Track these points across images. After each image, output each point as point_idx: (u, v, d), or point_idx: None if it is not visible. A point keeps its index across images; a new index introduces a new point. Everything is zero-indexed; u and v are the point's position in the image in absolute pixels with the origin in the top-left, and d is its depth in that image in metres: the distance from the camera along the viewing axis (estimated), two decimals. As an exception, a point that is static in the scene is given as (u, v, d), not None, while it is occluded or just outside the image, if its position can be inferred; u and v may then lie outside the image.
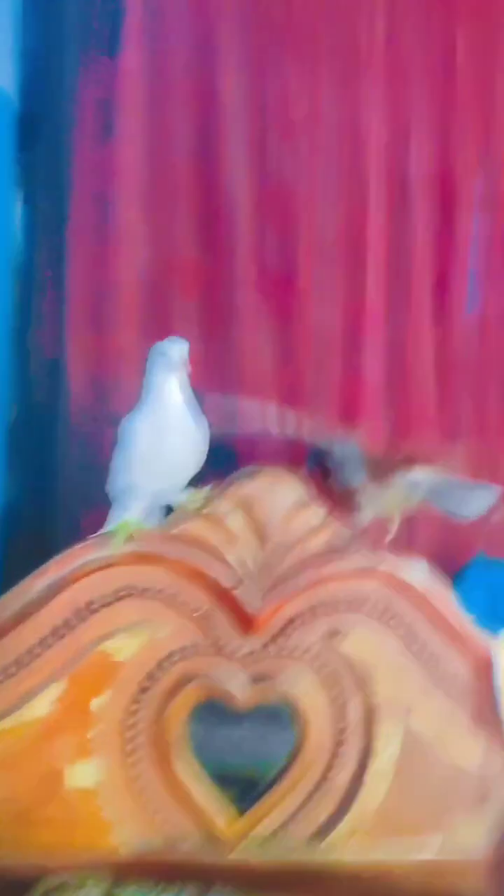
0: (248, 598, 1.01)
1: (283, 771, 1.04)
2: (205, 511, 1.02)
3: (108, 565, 1.00)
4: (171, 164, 1.19)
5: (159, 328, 1.17)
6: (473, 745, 1.05)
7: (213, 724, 1.03)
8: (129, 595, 1.01)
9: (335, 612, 1.03)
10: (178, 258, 1.21)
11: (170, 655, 1.02)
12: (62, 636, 1.00)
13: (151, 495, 1.04)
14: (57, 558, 1.00)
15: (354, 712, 1.04)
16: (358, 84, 1.22)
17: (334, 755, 1.04)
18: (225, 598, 1.02)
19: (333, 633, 1.03)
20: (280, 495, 1.03)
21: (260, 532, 1.02)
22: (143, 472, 1.02)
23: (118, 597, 1.01)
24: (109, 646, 1.00)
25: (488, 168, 1.24)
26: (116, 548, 1.00)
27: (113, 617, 1.01)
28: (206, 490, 1.04)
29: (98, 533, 1.02)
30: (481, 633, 1.05)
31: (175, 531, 1.02)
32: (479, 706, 1.05)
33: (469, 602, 1.06)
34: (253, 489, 1.03)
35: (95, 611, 1.00)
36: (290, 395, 1.25)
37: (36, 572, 0.99)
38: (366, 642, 1.04)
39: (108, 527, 1.02)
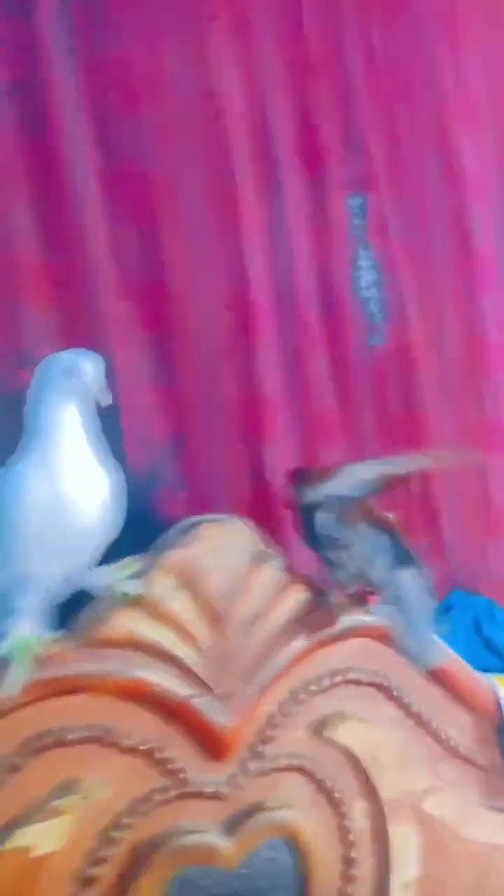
0: (213, 706, 0.72)
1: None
2: (135, 595, 0.71)
3: (8, 711, 0.65)
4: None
5: (8, 353, 0.83)
6: (497, 813, 0.86)
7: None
8: (44, 747, 0.67)
9: (318, 693, 0.79)
10: (18, 264, 0.89)
11: (116, 820, 0.69)
12: None
13: (47, 587, 0.70)
14: None
15: (361, 820, 0.79)
16: (204, 37, 0.99)
17: (346, 881, 0.79)
18: (181, 714, 0.71)
19: (322, 725, 0.78)
20: (228, 554, 0.76)
21: (212, 611, 0.74)
22: (38, 555, 0.67)
23: (31, 753, 0.66)
24: (26, 836, 0.65)
25: (353, 144, 1.09)
26: (17, 682, 0.65)
27: (23, 789, 0.66)
28: (132, 563, 0.72)
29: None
30: (480, 676, 0.87)
31: (96, 634, 0.70)
32: (492, 763, 0.87)
33: (448, 639, 0.87)
34: (194, 553, 0.74)
35: (-3, 786, 0.65)
36: (180, 417, 0.97)
37: None
38: (360, 721, 0.80)
39: (-3, 651, 0.66)
